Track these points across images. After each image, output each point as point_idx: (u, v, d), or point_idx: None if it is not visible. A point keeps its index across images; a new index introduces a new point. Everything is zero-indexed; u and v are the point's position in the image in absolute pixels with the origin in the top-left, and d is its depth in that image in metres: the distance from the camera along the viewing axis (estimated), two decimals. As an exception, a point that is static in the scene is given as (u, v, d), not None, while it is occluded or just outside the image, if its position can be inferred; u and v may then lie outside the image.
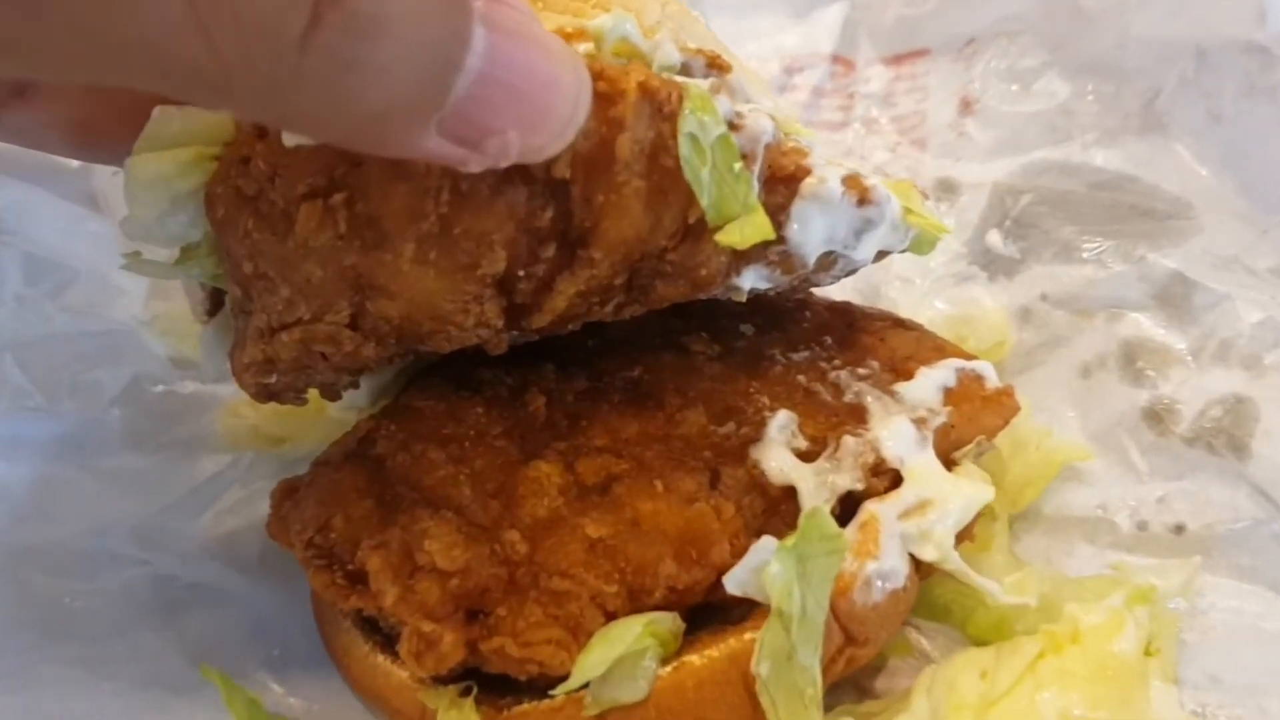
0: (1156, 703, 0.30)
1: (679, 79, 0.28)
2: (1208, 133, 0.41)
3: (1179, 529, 0.34)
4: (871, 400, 0.34)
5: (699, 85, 0.29)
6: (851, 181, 0.32)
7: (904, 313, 0.43)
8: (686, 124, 0.26)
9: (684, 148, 0.26)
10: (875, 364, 0.35)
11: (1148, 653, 0.31)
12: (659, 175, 0.26)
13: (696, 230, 0.29)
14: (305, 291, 0.27)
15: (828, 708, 0.29)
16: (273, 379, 0.30)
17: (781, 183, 0.31)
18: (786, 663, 0.28)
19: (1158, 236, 0.40)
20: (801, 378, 0.35)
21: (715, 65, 0.31)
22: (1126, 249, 0.40)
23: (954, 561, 0.30)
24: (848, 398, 0.34)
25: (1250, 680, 0.30)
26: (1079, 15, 0.45)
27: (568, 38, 0.28)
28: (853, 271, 0.34)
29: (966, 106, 0.48)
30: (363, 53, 0.20)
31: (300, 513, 0.32)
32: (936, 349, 0.37)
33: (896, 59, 0.51)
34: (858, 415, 0.34)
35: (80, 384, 0.37)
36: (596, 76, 0.25)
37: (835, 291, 0.45)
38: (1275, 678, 0.30)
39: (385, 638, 0.33)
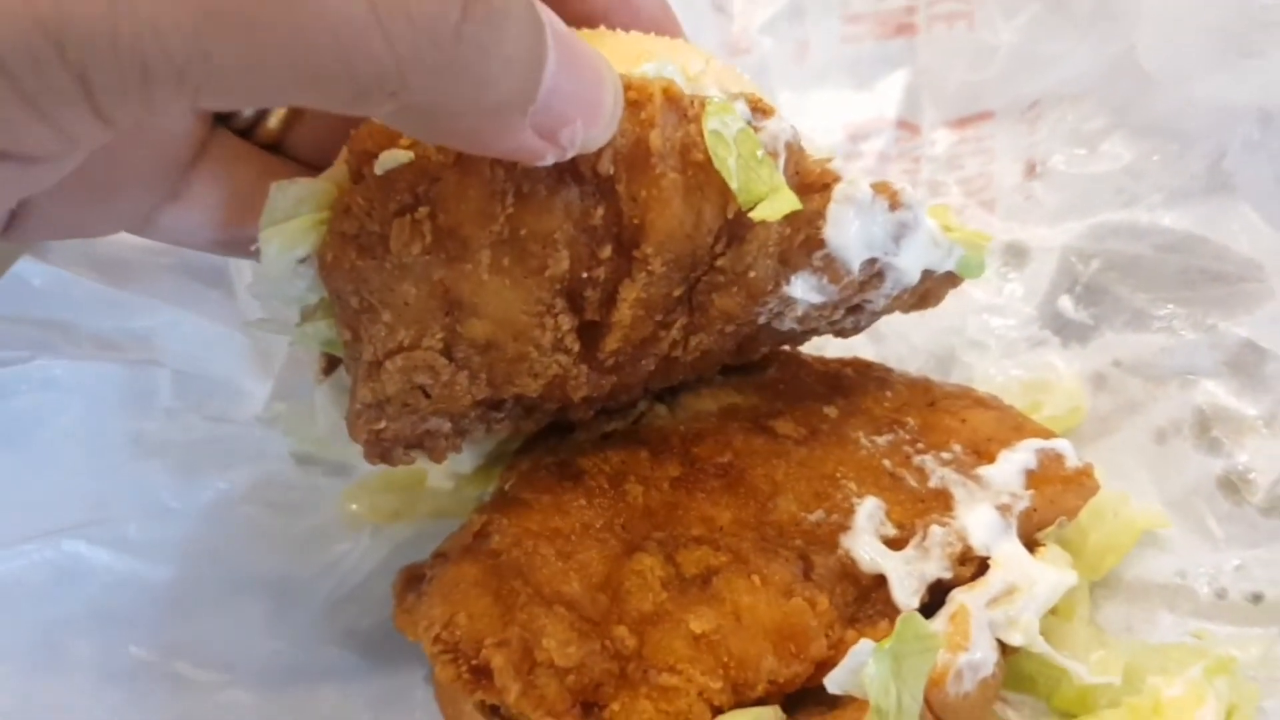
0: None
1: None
2: (1276, 194, 0.42)
3: (1257, 598, 0.35)
4: (956, 486, 0.36)
5: (719, 95, 0.33)
6: (880, 186, 0.35)
7: (979, 378, 0.45)
8: (710, 122, 0.30)
9: (710, 141, 0.30)
10: (958, 447, 0.37)
11: None
12: (693, 170, 0.31)
13: (739, 231, 0.33)
14: (403, 315, 0.31)
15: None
16: (382, 425, 0.33)
17: (816, 191, 0.34)
18: None
19: (1229, 303, 0.41)
20: (886, 462, 0.37)
21: (758, 108, 0.33)
22: (1198, 316, 0.42)
23: (1040, 645, 0.33)
24: (933, 483, 0.36)
25: None
26: (1141, 78, 0.46)
27: None
28: (905, 291, 0.36)
29: (1032, 169, 0.50)
30: (496, 41, 0.24)
31: (427, 609, 0.36)
32: (1016, 429, 0.38)
33: (961, 122, 0.53)
34: (943, 502, 0.36)
35: (214, 486, 0.40)
36: (626, 87, 0.30)
37: (913, 363, 0.47)
38: None
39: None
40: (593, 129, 0.29)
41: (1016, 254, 0.47)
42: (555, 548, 0.34)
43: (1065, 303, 0.46)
